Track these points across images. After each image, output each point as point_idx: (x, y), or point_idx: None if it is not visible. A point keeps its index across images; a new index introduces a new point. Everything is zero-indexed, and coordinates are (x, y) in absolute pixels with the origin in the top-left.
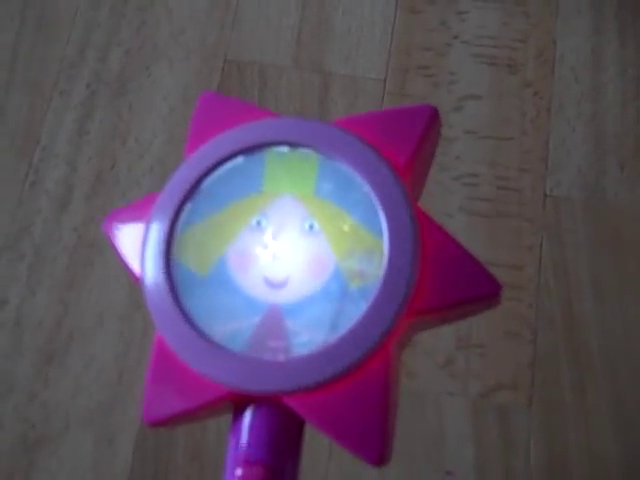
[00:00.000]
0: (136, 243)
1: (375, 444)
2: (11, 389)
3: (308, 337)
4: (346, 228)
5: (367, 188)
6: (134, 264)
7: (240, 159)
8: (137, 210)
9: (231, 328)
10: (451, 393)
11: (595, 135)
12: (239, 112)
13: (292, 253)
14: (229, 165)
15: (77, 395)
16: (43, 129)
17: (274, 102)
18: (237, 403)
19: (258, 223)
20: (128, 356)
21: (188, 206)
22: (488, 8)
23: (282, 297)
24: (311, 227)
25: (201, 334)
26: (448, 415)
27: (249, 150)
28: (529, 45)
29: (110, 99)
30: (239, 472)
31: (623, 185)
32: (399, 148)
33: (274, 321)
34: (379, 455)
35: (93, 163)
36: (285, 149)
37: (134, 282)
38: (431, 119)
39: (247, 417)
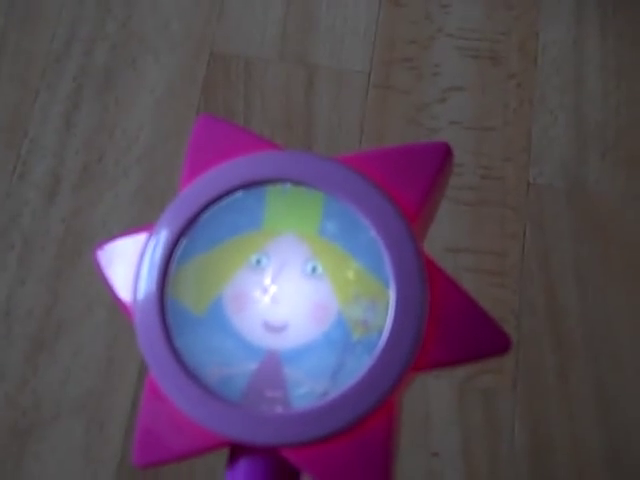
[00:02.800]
0: (128, 275)
1: None
2: (2, 377)
3: (308, 388)
4: (350, 273)
5: (374, 233)
6: (125, 297)
7: (239, 194)
8: (131, 240)
9: (227, 373)
10: (437, 376)
11: (577, 125)
12: (239, 140)
13: (293, 296)
14: (227, 199)
15: (67, 382)
16: (30, 122)
17: (259, 95)
18: (233, 447)
19: (258, 262)
20: (117, 344)
21: (184, 241)
22: (471, 1)
23: (281, 343)
24: (314, 269)
25: (195, 379)
26: (434, 398)
27: (249, 185)
28: (512, 37)
29: (96, 92)
30: None
31: (604, 174)
32: (409, 191)
33: (272, 369)
34: None
35: (80, 155)
36: (287, 185)
37: (125, 315)
38: (444, 159)
39: (243, 463)
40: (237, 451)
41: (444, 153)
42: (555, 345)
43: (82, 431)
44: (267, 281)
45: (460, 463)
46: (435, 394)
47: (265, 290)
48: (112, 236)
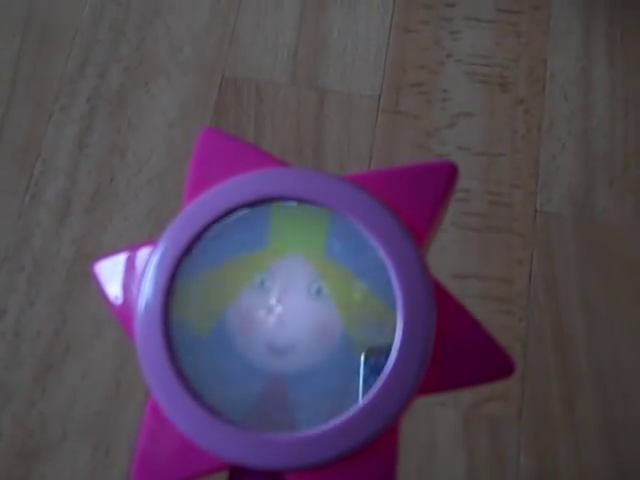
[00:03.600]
0: (129, 291)
1: None
2: (9, 398)
3: (313, 411)
4: (356, 294)
5: (381, 253)
6: (124, 312)
7: (245, 211)
8: (132, 255)
9: (231, 395)
10: (442, 404)
11: (584, 152)
12: (244, 155)
13: (298, 318)
14: (233, 217)
15: (75, 405)
16: (43, 143)
17: (270, 118)
18: (233, 469)
19: (262, 282)
20: (125, 366)
21: (189, 258)
22: (481, 28)
23: (286, 365)
24: (319, 291)
25: (199, 400)
26: (439, 426)
27: (255, 203)
28: (520, 64)
29: (109, 114)
30: None
31: (612, 201)
32: (417, 212)
33: (277, 391)
34: None
35: (92, 177)
36: (293, 203)
37: (125, 333)
38: (451, 178)
39: None
40: (238, 474)
41: (450, 173)
42: (561, 373)
43: (88, 453)
44: (272, 302)
45: None
46: (441, 421)
47: (270, 311)
48: (111, 251)
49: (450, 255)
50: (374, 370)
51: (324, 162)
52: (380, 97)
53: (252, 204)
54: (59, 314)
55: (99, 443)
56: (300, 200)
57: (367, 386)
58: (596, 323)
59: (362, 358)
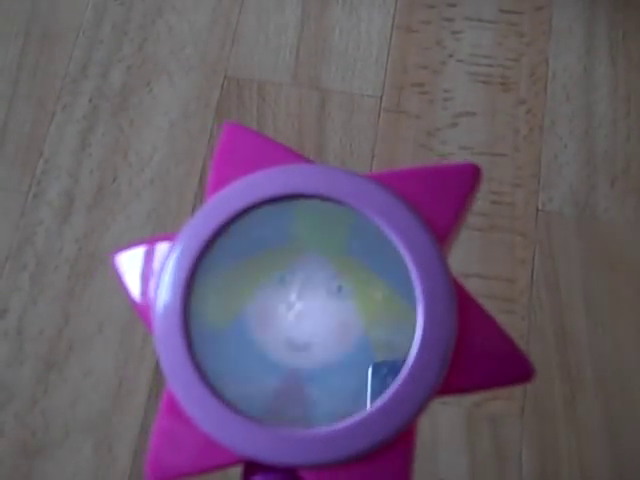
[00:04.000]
0: (148, 284)
1: None
2: (12, 397)
3: (329, 408)
4: (376, 293)
5: (403, 253)
6: (143, 304)
7: (268, 207)
8: (152, 248)
9: (248, 390)
10: (445, 402)
11: (586, 152)
12: (267, 151)
13: (317, 315)
14: (255, 212)
15: (77, 403)
16: (46, 142)
17: (272, 118)
18: (247, 464)
19: (282, 279)
20: (127, 365)
21: (210, 252)
22: (482, 28)
23: (304, 362)
24: (339, 289)
25: (216, 394)
26: (442, 424)
27: (279, 199)
28: (522, 64)
29: (112, 114)
30: None
31: (613, 201)
32: (441, 213)
33: (294, 387)
34: None
35: (94, 176)
36: (317, 201)
37: (142, 321)
38: (474, 180)
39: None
40: (252, 468)
41: (474, 174)
42: (563, 372)
43: (91, 451)
44: (292, 299)
45: None
46: (443, 420)
47: (289, 308)
48: (131, 243)
49: (452, 254)
50: (392, 370)
51: (326, 161)
52: (382, 97)
53: (275, 200)
54: (62, 313)
55: (101, 441)
56: (323, 198)
57: (385, 386)
58: (597, 322)
59: (380, 357)
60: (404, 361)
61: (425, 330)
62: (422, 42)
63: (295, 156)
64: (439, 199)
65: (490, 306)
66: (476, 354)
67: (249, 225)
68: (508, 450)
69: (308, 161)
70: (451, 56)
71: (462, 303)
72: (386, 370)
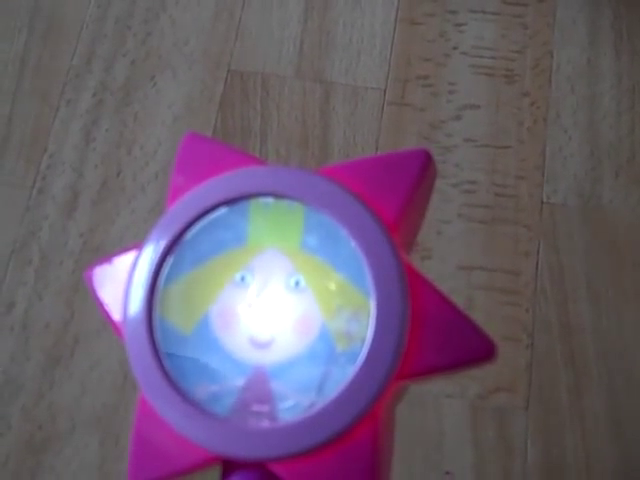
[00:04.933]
0: (118, 295)
1: None
2: (18, 391)
3: (294, 401)
4: (333, 285)
5: (354, 243)
6: (116, 317)
7: (223, 210)
8: (120, 260)
9: (215, 390)
10: (450, 395)
11: (590, 143)
12: (222, 157)
13: (277, 311)
14: (212, 216)
15: (83, 397)
16: (50, 137)
17: (276, 111)
18: (225, 463)
19: (242, 278)
20: None
21: (171, 259)
22: (486, 20)
23: (267, 358)
24: (297, 283)
25: (184, 396)
26: (447, 416)
27: (233, 201)
28: (526, 56)
29: (116, 108)
30: None
31: (618, 192)
32: (389, 200)
33: (259, 384)
34: None
35: (99, 170)
36: (270, 200)
37: (117, 335)
38: (424, 166)
39: (235, 478)
40: (228, 468)
41: (423, 160)
42: (568, 363)
43: (97, 445)
44: (252, 297)
45: None
46: (448, 413)
47: (250, 306)
48: (102, 257)
49: (457, 247)
50: (351, 358)
51: (330, 155)
52: (386, 90)
53: (230, 202)
54: (67, 307)
55: (107, 434)
56: (276, 196)
57: (345, 374)
58: (602, 313)
59: (340, 347)
60: (362, 348)
61: (379, 317)
62: (426, 35)
63: (248, 159)
64: (388, 186)
65: (494, 298)
66: (433, 336)
67: (208, 230)
68: (513, 442)
69: (261, 162)
70: (455, 48)
71: (416, 287)
72: (345, 359)
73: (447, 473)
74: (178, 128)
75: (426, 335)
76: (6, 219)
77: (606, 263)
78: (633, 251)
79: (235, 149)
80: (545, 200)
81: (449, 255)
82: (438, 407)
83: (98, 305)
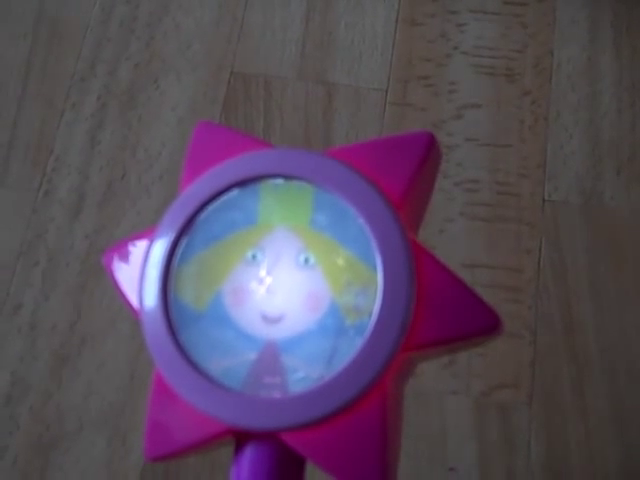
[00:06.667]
0: (135, 277)
1: (375, 479)
2: (27, 391)
3: (304, 373)
4: (341, 261)
5: (362, 221)
6: (133, 299)
7: (235, 192)
8: (135, 243)
9: (228, 364)
10: (454, 392)
11: (592, 141)
12: (235, 142)
13: (287, 288)
14: (224, 198)
15: (90, 396)
16: (56, 140)
17: (279, 113)
18: (237, 437)
19: (253, 257)
20: (139, 358)
21: (184, 240)
22: (486, 20)
23: (278, 332)
24: (306, 260)
25: (198, 370)
26: (451, 413)
27: (243, 183)
28: (527, 55)
29: (120, 111)
30: None
31: (619, 190)
32: (395, 179)
33: (270, 357)
34: None
35: (104, 173)
36: (280, 181)
37: (134, 316)
38: (428, 147)
39: (248, 452)
40: (241, 441)
41: (428, 141)
42: (571, 360)
43: (105, 444)
44: (263, 274)
45: (476, 478)
46: (451, 409)
47: (261, 283)
48: (118, 241)
49: (459, 245)
50: (360, 330)
51: None
52: (387, 90)
53: (241, 184)
54: (74, 308)
55: (115, 433)
56: (285, 177)
57: (354, 346)
58: (605, 310)
59: (349, 321)
60: (370, 321)
61: (386, 291)
62: (427, 35)
63: (259, 143)
64: (393, 166)
65: (497, 295)
66: (438, 308)
67: (220, 211)
68: (517, 438)
69: (271, 146)
70: (456, 48)
71: (422, 262)
72: (353, 332)
73: (451, 469)
74: (182, 130)
75: (432, 308)
76: (13, 222)
77: (608, 260)
78: (635, 248)
79: (244, 134)
80: (547, 198)
81: (452, 253)
82: (441, 404)
83: (115, 287)
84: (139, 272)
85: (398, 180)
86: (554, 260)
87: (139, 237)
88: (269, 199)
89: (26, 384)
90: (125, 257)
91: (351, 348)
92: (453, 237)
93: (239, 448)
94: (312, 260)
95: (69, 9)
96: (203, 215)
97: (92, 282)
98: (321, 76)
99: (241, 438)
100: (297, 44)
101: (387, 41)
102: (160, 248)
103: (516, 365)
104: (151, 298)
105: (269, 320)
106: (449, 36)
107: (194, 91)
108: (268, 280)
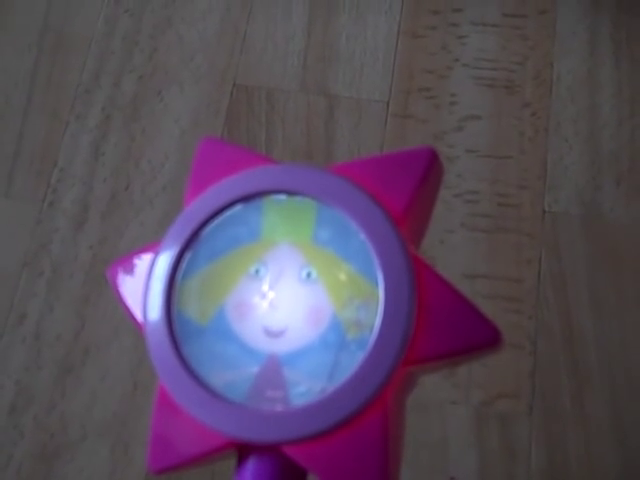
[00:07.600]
0: (139, 291)
1: None
2: (31, 400)
3: (306, 387)
4: (343, 276)
5: (363, 236)
6: (137, 312)
7: (238, 207)
8: (140, 258)
9: (230, 377)
10: (454, 402)
11: (591, 153)
12: (238, 158)
13: (290, 302)
14: (227, 213)
15: (94, 406)
16: (60, 151)
17: (281, 125)
18: (240, 450)
19: (256, 272)
20: (142, 368)
21: (188, 255)
22: (487, 32)
23: (280, 347)
24: (309, 275)
25: (201, 383)
26: (452, 423)
27: (247, 198)
28: (527, 67)
29: (124, 123)
30: None
31: (619, 200)
32: (396, 194)
33: (273, 371)
34: None
35: (108, 184)
36: (283, 197)
37: (138, 330)
38: (430, 162)
39: (250, 465)
40: (244, 454)
41: (429, 157)
42: (571, 370)
43: (108, 453)
44: (265, 289)
45: None
46: (452, 418)
47: (264, 298)
48: (123, 256)
49: (459, 255)
50: (361, 345)
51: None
52: (389, 102)
53: (244, 200)
54: (78, 318)
55: (118, 442)
56: (288, 192)
57: (355, 360)
58: (605, 320)
59: (350, 335)
60: (371, 335)
61: (387, 305)
62: (428, 47)
63: (262, 159)
64: (395, 182)
65: (497, 306)
66: (439, 323)
67: (224, 226)
68: (517, 447)
69: (274, 162)
70: (457, 60)
71: (423, 276)
72: (355, 346)
73: (452, 479)
74: (185, 142)
75: (432, 322)
76: (18, 232)
77: (607, 270)
78: (634, 258)
79: (248, 150)
80: (547, 209)
81: (452, 264)
82: (443, 413)
83: (119, 301)
84: (143, 286)
85: (400, 196)
86: (554, 271)
87: (143, 251)
88: (272, 215)
89: (30, 394)
90: (129, 271)
91: (352, 362)
92: (454, 248)
93: (241, 461)
94: (314, 275)
95: (73, 22)
96: (207, 230)
97: (96, 292)
98: (323, 88)
99: (243, 451)
100: (299, 56)
101: (388, 53)
102: (164, 262)
103: (516, 375)
104: (155, 312)
105: (272, 334)
106: (450, 48)
107: (197, 103)
108: (271, 295)
